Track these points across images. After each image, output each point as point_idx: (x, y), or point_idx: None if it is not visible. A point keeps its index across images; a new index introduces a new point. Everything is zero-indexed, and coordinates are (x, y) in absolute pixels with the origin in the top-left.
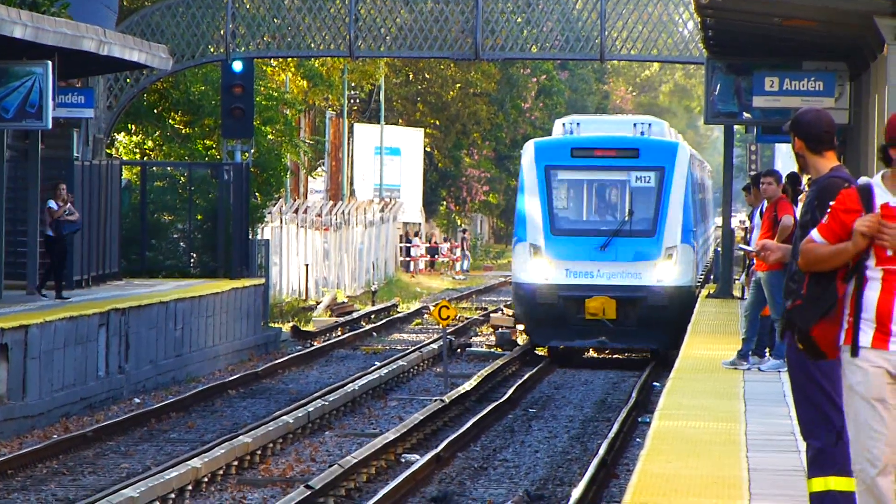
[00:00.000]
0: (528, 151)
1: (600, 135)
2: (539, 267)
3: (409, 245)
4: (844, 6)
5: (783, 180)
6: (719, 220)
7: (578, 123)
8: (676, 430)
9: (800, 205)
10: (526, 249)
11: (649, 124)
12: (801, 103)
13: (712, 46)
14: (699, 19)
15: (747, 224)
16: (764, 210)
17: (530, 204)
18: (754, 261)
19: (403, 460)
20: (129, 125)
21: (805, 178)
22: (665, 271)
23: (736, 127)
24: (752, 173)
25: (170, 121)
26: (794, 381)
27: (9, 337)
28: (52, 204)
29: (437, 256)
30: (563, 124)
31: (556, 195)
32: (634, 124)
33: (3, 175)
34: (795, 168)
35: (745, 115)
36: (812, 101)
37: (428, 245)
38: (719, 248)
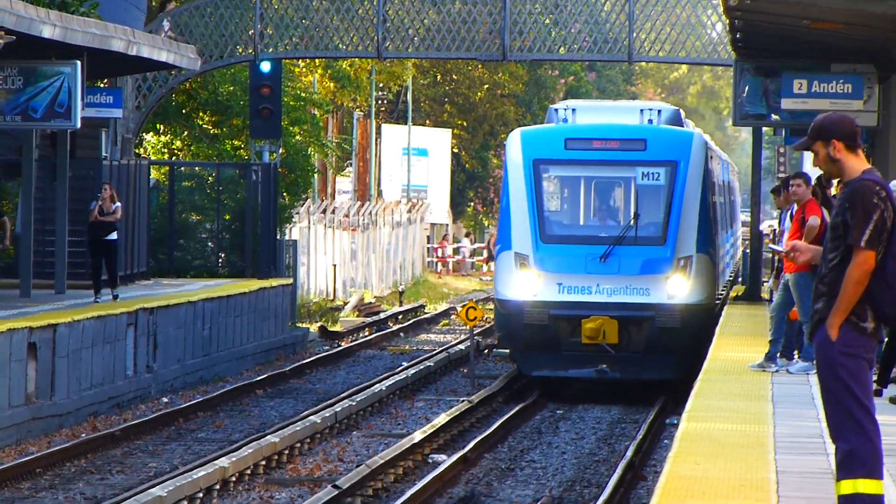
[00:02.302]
0: (513, 142)
1: (600, 122)
2: (526, 281)
3: (459, 246)
4: (872, 9)
5: (812, 182)
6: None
7: (574, 109)
8: (704, 432)
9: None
10: (511, 260)
11: (659, 111)
12: (830, 105)
13: (740, 48)
14: (727, 21)
15: (776, 227)
16: (794, 212)
17: (516, 206)
18: (783, 263)
19: (430, 461)
20: (158, 125)
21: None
22: (677, 286)
23: (764, 129)
24: (781, 175)
25: (198, 121)
26: (822, 382)
27: (37, 336)
28: (93, 205)
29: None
30: (556, 110)
31: (546, 195)
32: (641, 110)
33: (31, 175)
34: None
35: (774, 117)
36: (840, 104)
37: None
38: (748, 251)
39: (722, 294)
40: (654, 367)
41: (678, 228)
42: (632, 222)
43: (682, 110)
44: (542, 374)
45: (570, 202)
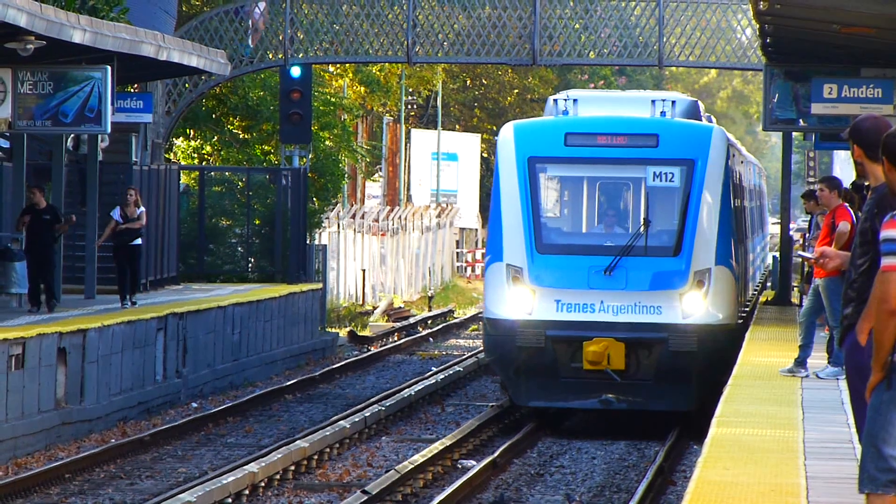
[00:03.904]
0: (506, 137)
1: (606, 115)
2: (520, 297)
3: None
4: None
5: (842, 187)
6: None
7: (576, 100)
8: (734, 438)
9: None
10: (502, 273)
11: (673, 102)
12: (860, 110)
13: (770, 53)
14: (757, 26)
15: (807, 232)
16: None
17: (509, 211)
18: (813, 268)
19: (460, 466)
20: (188, 130)
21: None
22: (694, 304)
23: (794, 134)
24: (811, 180)
25: (228, 126)
26: (852, 388)
27: (67, 341)
28: (116, 214)
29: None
30: (556, 101)
31: (543, 198)
32: (653, 101)
33: (62, 180)
34: (853, 175)
35: (803, 122)
36: (870, 109)
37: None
38: (777, 255)
39: (747, 309)
40: (665, 396)
41: (695, 237)
42: (641, 230)
43: (700, 102)
44: (537, 404)
45: (570, 206)
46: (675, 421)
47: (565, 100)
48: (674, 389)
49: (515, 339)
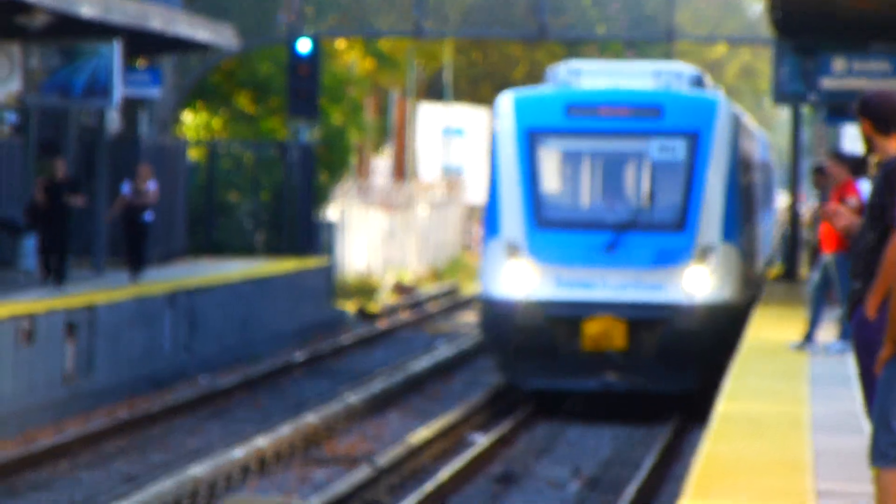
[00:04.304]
0: (504, 108)
1: (608, 86)
2: (518, 275)
3: None
4: None
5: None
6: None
7: (578, 72)
8: (742, 412)
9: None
10: (500, 250)
11: (678, 73)
12: (868, 85)
13: (780, 27)
14: (767, 1)
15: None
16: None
17: (507, 184)
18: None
19: (468, 440)
20: (196, 104)
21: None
22: (698, 281)
23: (803, 108)
24: (820, 158)
25: (236, 101)
26: (860, 363)
27: (77, 316)
28: (125, 188)
29: None
30: (558, 72)
31: (543, 172)
32: (657, 73)
33: (70, 154)
34: (862, 150)
35: (813, 96)
36: (880, 83)
37: None
38: (787, 229)
39: (755, 287)
40: (668, 378)
41: (699, 212)
42: (645, 204)
43: (706, 73)
44: (535, 386)
45: (571, 180)
46: (677, 404)
47: (568, 71)
48: (677, 370)
49: (514, 319)
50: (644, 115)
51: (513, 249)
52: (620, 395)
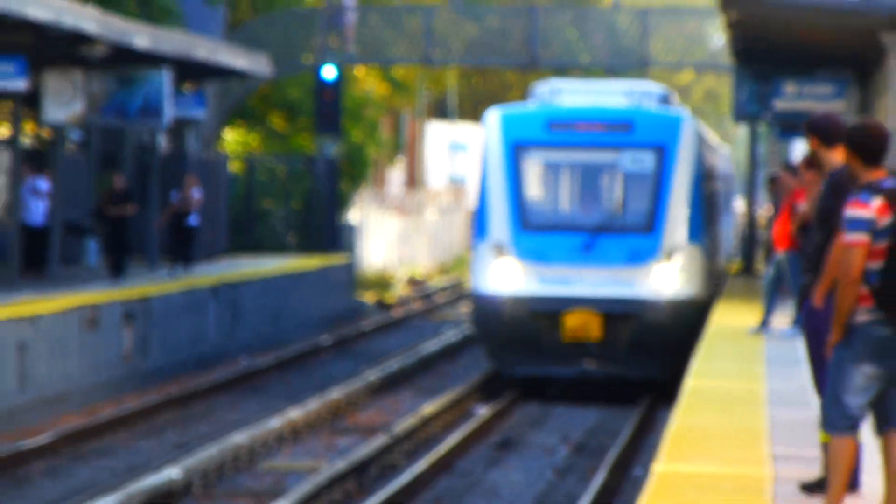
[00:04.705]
0: (492, 123)
1: (585, 103)
2: (504, 273)
3: None
4: (853, 22)
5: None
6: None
7: (559, 90)
8: (707, 388)
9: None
10: (488, 250)
11: (647, 91)
12: (815, 106)
13: (739, 57)
14: (728, 34)
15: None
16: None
17: (494, 192)
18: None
19: (472, 413)
20: (236, 123)
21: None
22: (665, 278)
23: (759, 126)
24: (773, 169)
25: (270, 121)
26: (809, 346)
27: (134, 306)
28: (174, 196)
29: None
30: (541, 91)
31: (527, 180)
32: (629, 92)
33: (128, 167)
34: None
35: (767, 115)
36: (825, 105)
37: None
38: (745, 231)
39: (717, 282)
40: (640, 365)
41: (666, 216)
42: (617, 209)
43: (674, 92)
44: (521, 373)
45: (552, 188)
46: (647, 389)
47: (550, 89)
48: (648, 359)
49: (500, 313)
50: (616, 130)
51: (500, 250)
52: (597, 380)
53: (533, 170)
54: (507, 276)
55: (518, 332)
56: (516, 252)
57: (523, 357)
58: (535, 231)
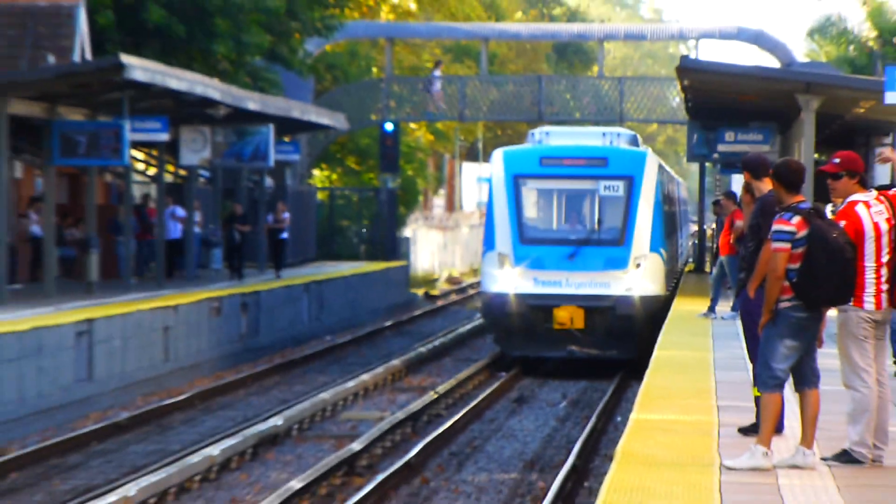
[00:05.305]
0: (497, 160)
1: (570, 144)
2: (507, 276)
3: None
4: (776, 86)
5: (738, 198)
6: (695, 227)
7: (548, 133)
8: (669, 357)
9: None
10: (495, 258)
11: (618, 134)
12: (749, 149)
13: (691, 112)
14: (683, 96)
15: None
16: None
17: (499, 213)
18: (719, 248)
19: (496, 375)
20: (321, 165)
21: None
22: (633, 280)
23: (706, 163)
24: (717, 195)
25: (347, 162)
26: (744, 325)
27: (248, 298)
28: (269, 218)
29: None
30: (533, 134)
31: (524, 204)
32: (604, 134)
33: (243, 198)
34: (740, 190)
35: (714, 155)
36: (755, 148)
37: None
38: (696, 241)
39: (676, 280)
40: (615, 348)
41: (634, 232)
42: (595, 227)
43: (638, 135)
44: (521, 354)
45: (544, 210)
46: (620, 367)
47: (541, 133)
48: (621, 343)
49: (504, 307)
50: (595, 164)
51: (503, 258)
52: (581, 360)
53: (529, 196)
54: (509, 279)
55: (518, 322)
56: (516, 260)
57: (522, 342)
58: (531, 244)
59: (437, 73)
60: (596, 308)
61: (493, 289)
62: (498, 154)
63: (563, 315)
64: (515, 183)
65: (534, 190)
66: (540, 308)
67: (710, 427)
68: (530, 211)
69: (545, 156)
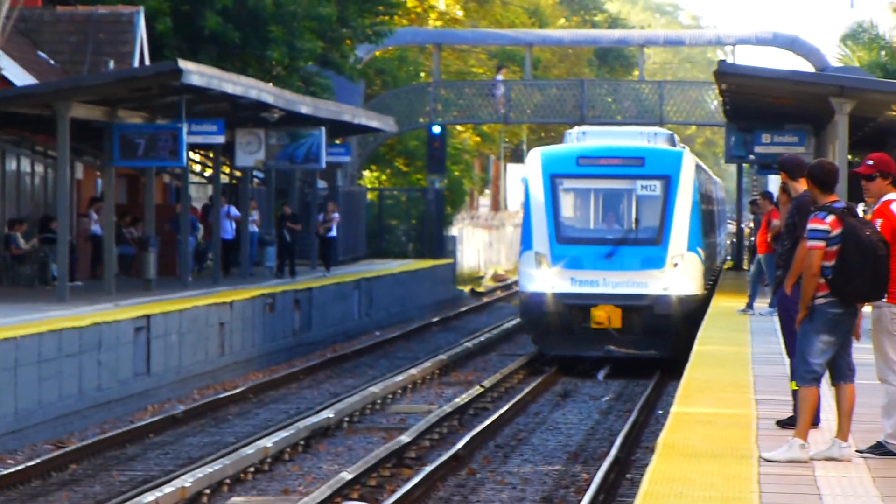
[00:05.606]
0: (534, 160)
1: (606, 144)
2: (545, 276)
3: None
4: (811, 90)
5: (775, 199)
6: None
7: (585, 133)
8: (708, 352)
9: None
10: (532, 258)
11: (655, 133)
12: (784, 150)
13: (729, 115)
14: (721, 99)
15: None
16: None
17: (536, 213)
18: (756, 246)
19: (542, 370)
20: (371, 166)
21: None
22: (671, 280)
23: (743, 164)
24: (754, 195)
25: (395, 163)
26: (781, 321)
27: (300, 295)
28: (320, 217)
29: None
30: (570, 134)
31: (561, 204)
32: (641, 133)
33: (295, 198)
34: (776, 190)
35: (751, 157)
36: (791, 149)
37: None
38: (734, 239)
39: (713, 280)
40: (651, 347)
41: (671, 231)
42: (632, 226)
43: (675, 135)
44: (558, 353)
45: (581, 209)
46: (657, 366)
47: (578, 133)
48: (657, 342)
49: (542, 307)
50: (631, 164)
51: (541, 258)
52: (618, 359)
53: (566, 195)
54: (546, 279)
55: (556, 321)
56: (553, 260)
57: (560, 341)
58: (568, 243)
59: (500, 77)
60: (633, 307)
61: (530, 288)
62: (535, 154)
63: (601, 314)
64: (552, 183)
65: (571, 190)
66: (577, 307)
67: (748, 420)
68: (567, 210)
69: (582, 155)
